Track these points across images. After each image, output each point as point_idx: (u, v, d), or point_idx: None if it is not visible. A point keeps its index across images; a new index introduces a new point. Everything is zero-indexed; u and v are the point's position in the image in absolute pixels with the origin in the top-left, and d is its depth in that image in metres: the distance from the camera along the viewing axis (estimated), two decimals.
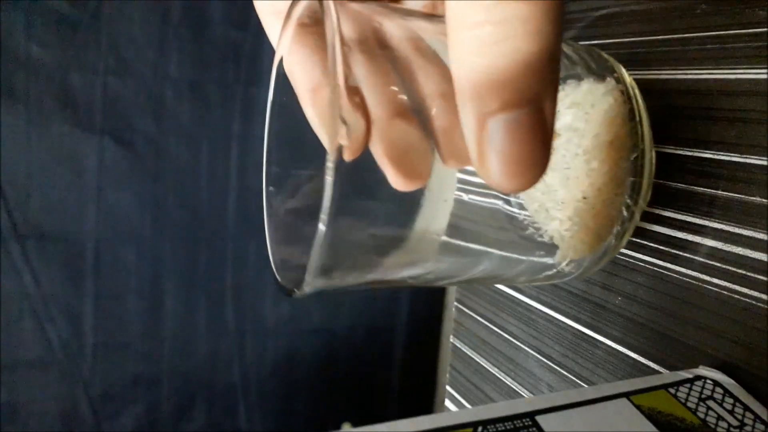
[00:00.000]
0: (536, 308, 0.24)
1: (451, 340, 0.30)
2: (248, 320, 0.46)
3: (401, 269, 0.14)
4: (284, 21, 0.14)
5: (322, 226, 0.10)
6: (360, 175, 0.11)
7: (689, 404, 0.14)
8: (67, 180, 0.38)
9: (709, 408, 0.14)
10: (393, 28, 0.13)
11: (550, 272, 0.16)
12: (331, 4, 0.11)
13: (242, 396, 0.46)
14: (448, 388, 0.31)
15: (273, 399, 0.48)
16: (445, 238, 0.14)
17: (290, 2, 0.14)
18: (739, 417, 0.14)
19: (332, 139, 0.10)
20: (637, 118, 0.16)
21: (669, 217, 0.18)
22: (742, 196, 0.16)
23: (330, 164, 0.10)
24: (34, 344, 0.39)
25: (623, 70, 0.17)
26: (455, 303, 0.30)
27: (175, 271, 0.42)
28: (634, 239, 0.19)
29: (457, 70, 0.09)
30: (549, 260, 0.16)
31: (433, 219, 0.13)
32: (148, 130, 0.39)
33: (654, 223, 0.18)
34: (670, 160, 0.18)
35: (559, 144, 0.15)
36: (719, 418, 0.14)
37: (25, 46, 0.34)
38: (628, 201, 0.16)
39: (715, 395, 0.15)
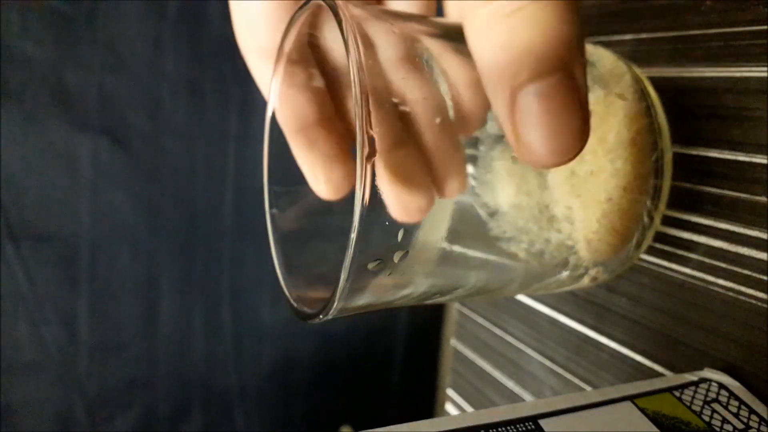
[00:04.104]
0: (539, 310, 0.23)
1: (453, 342, 0.30)
2: (245, 322, 0.45)
3: (414, 286, 0.13)
4: (276, 59, 0.14)
5: (349, 253, 0.10)
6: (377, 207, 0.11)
7: (694, 407, 0.14)
8: (61, 179, 0.37)
9: (714, 411, 0.14)
10: (384, 44, 0.12)
11: (573, 277, 0.16)
12: (351, 38, 0.10)
13: (239, 398, 0.46)
14: (449, 391, 0.31)
15: (270, 401, 0.47)
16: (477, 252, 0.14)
17: (280, 39, 0.14)
18: (744, 420, 0.14)
19: (364, 190, 0.10)
20: (654, 115, 0.16)
21: (674, 217, 0.18)
22: (748, 196, 0.16)
23: (354, 233, 0.10)
24: (29, 346, 0.39)
25: (634, 68, 0.17)
26: (457, 305, 0.30)
27: (171, 273, 0.42)
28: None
29: (479, 51, 0.09)
30: (572, 265, 0.16)
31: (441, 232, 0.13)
32: (144, 128, 0.39)
33: (659, 224, 0.18)
34: (675, 159, 0.18)
35: None
36: (724, 421, 0.14)
37: (20, 43, 0.34)
38: (649, 203, 0.16)
39: (720, 398, 0.14)
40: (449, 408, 0.31)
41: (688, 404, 0.14)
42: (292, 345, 0.47)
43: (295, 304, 0.14)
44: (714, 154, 0.17)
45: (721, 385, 0.15)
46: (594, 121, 0.15)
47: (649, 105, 0.16)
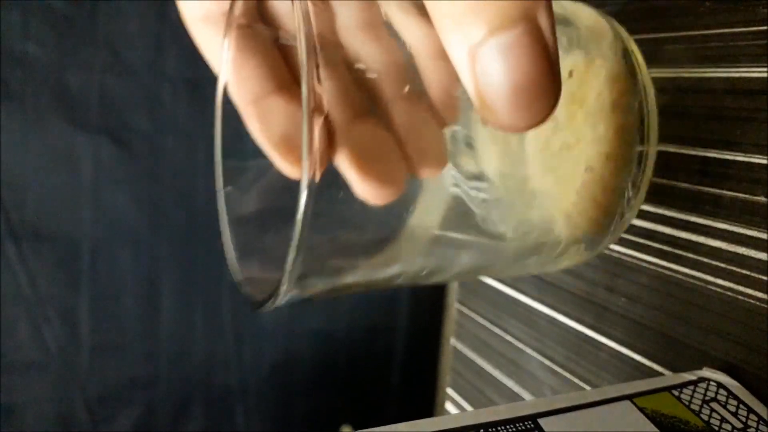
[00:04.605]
0: (538, 310, 0.23)
1: (452, 341, 0.30)
2: (246, 321, 0.45)
3: (387, 268, 0.12)
4: (226, 26, 0.13)
5: (296, 235, 0.09)
6: (333, 177, 0.10)
7: (693, 406, 0.14)
8: (62, 179, 0.37)
9: (712, 410, 0.14)
10: (344, 10, 0.11)
11: (553, 256, 0.15)
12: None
13: (240, 398, 0.46)
14: (449, 390, 0.31)
15: (271, 401, 0.47)
16: (439, 231, 0.13)
17: (228, 3, 0.13)
18: (743, 419, 0.14)
19: (310, 164, 0.09)
20: (638, 76, 0.15)
21: (673, 217, 0.18)
22: (747, 196, 0.16)
23: (304, 194, 0.09)
24: (30, 346, 0.39)
25: (617, 25, 0.15)
26: (456, 304, 0.30)
27: (172, 272, 0.42)
28: (637, 240, 0.19)
29: (432, 6, 0.08)
30: (551, 243, 0.14)
31: (426, 214, 0.12)
32: (145, 129, 0.39)
33: (658, 223, 0.18)
34: (674, 159, 0.18)
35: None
36: (723, 420, 0.14)
37: (21, 44, 0.34)
38: (635, 170, 0.15)
39: (719, 397, 0.14)
40: (449, 407, 0.32)
41: (687, 403, 0.14)
42: (292, 344, 0.47)
43: (244, 290, 0.12)
44: (713, 154, 0.17)
45: (720, 385, 0.15)
46: (573, 84, 0.13)
47: (634, 65, 0.15)
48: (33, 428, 0.39)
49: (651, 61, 0.18)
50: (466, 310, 0.29)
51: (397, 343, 0.49)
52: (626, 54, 0.15)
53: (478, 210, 0.13)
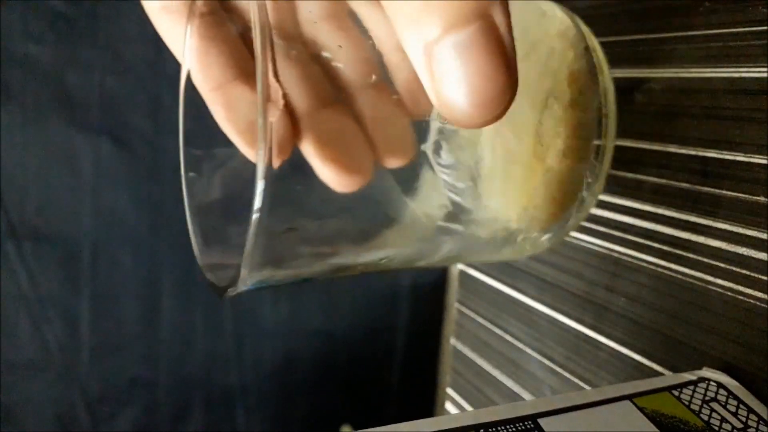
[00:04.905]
0: (538, 310, 0.23)
1: (452, 341, 0.30)
2: (246, 321, 0.45)
3: (355, 256, 0.12)
4: (189, 14, 0.13)
5: (254, 221, 0.09)
6: (300, 166, 0.10)
7: (693, 406, 0.14)
8: (63, 179, 0.37)
9: (712, 410, 0.14)
10: (308, 4, 0.11)
11: (510, 248, 0.15)
12: None
13: (240, 398, 0.46)
14: (449, 390, 0.31)
15: (271, 401, 0.47)
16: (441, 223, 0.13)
17: None
18: (743, 419, 0.14)
19: (265, 150, 0.09)
20: (599, 75, 0.15)
21: (673, 217, 0.18)
22: (747, 196, 0.16)
23: (261, 180, 0.09)
24: (31, 346, 0.39)
25: (580, 21, 0.16)
26: (456, 304, 0.30)
27: (173, 272, 0.42)
28: (637, 240, 0.19)
29: (388, 5, 0.08)
30: (509, 235, 0.15)
31: (394, 203, 0.12)
32: (145, 128, 0.39)
33: (658, 223, 0.18)
34: (674, 159, 0.18)
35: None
36: (723, 420, 0.14)
37: (21, 44, 0.34)
38: (595, 162, 0.15)
39: (719, 397, 0.14)
40: (449, 407, 0.32)
41: (687, 403, 0.14)
42: (292, 344, 0.47)
43: (208, 276, 0.12)
44: (713, 154, 0.17)
45: (720, 385, 0.15)
46: (530, 77, 0.13)
47: (594, 63, 0.15)
48: (33, 428, 0.39)
49: (651, 61, 0.18)
50: (466, 310, 0.29)
51: (397, 343, 0.49)
52: (587, 52, 0.15)
53: (447, 200, 0.13)
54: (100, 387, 0.41)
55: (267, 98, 0.09)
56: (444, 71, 0.08)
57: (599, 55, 0.15)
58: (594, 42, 0.16)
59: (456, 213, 0.14)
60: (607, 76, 0.16)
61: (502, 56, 0.08)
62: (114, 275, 0.40)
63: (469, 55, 0.08)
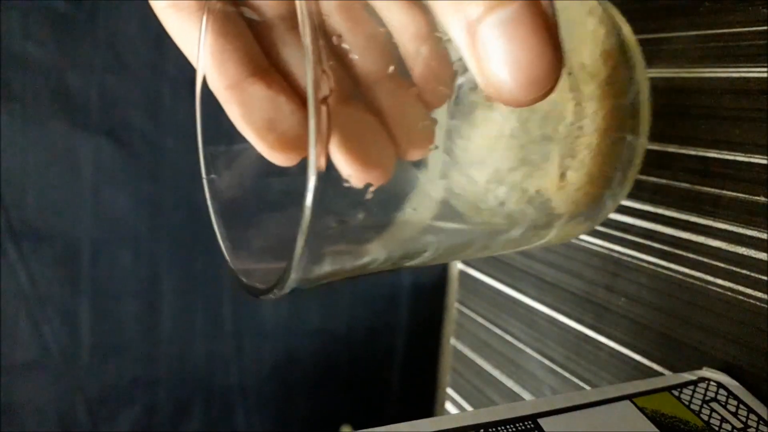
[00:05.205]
0: (538, 310, 0.23)
1: (452, 341, 0.30)
2: (246, 321, 0.45)
3: (387, 251, 0.12)
4: (205, 11, 0.13)
5: (301, 236, 0.09)
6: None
7: (693, 406, 0.14)
8: (63, 179, 0.37)
9: (712, 410, 0.14)
10: None
11: (549, 231, 0.15)
12: None
13: (240, 398, 0.46)
14: (449, 390, 0.31)
15: (271, 401, 0.47)
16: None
17: None
18: (743, 419, 0.14)
19: (319, 147, 0.08)
20: (629, 52, 0.15)
21: (673, 217, 0.18)
22: (747, 196, 0.16)
23: (311, 186, 0.09)
24: (31, 346, 0.39)
25: (606, 3, 0.16)
26: (456, 304, 0.30)
27: (173, 272, 0.42)
28: (637, 240, 0.19)
29: None
30: (547, 219, 0.14)
31: (421, 199, 0.12)
32: (145, 128, 0.39)
33: (658, 223, 0.18)
34: (674, 159, 0.18)
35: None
36: (723, 420, 0.14)
37: (21, 44, 0.34)
38: (630, 140, 0.15)
39: (719, 397, 0.14)
40: (449, 407, 0.32)
41: (687, 403, 0.14)
42: (292, 344, 0.47)
43: (245, 280, 0.12)
44: (713, 154, 0.17)
45: (720, 385, 0.15)
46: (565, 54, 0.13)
47: (624, 41, 0.15)
48: (33, 428, 0.39)
49: (651, 61, 0.18)
50: (466, 310, 0.29)
51: (397, 343, 0.49)
52: (615, 29, 0.15)
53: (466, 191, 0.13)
54: (99, 387, 0.41)
55: (318, 97, 0.08)
56: (489, 50, 0.08)
57: (627, 32, 0.15)
58: (621, 20, 0.15)
59: (488, 201, 0.13)
60: (638, 54, 0.15)
61: (547, 31, 0.08)
62: (114, 275, 0.40)
63: (514, 32, 0.08)
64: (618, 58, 0.15)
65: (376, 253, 0.12)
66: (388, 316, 0.48)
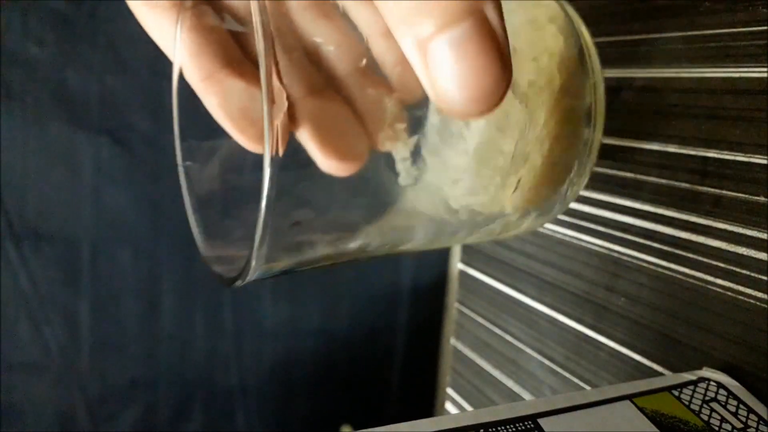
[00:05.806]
0: (538, 310, 0.23)
1: (452, 341, 0.30)
2: (246, 321, 0.45)
3: (352, 242, 0.13)
4: (180, 8, 0.13)
5: (261, 215, 0.09)
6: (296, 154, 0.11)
7: (693, 406, 0.14)
8: (63, 179, 0.37)
9: (712, 410, 0.14)
10: None
11: (499, 225, 0.15)
12: None
13: (240, 398, 0.46)
14: (449, 390, 0.31)
15: (271, 401, 0.47)
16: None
17: None
18: (743, 419, 0.14)
19: (272, 142, 0.09)
20: (588, 60, 0.15)
21: (673, 217, 0.18)
22: (747, 196, 0.16)
23: (268, 170, 0.09)
24: (30, 346, 0.39)
25: (569, 7, 0.16)
26: (456, 304, 0.30)
27: (173, 272, 0.42)
28: (637, 240, 0.19)
29: (381, 6, 0.08)
30: (505, 219, 0.15)
31: (390, 190, 0.12)
32: (146, 129, 0.39)
33: (658, 223, 0.18)
34: (674, 159, 0.18)
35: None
36: (723, 420, 0.14)
37: (21, 44, 0.34)
38: (586, 137, 0.15)
39: (719, 397, 0.14)
40: (449, 407, 0.32)
41: (687, 403, 0.14)
42: (292, 344, 0.47)
43: (214, 268, 0.12)
44: (713, 154, 0.17)
45: (720, 385, 0.15)
46: (520, 62, 0.13)
47: (581, 45, 0.15)
48: (33, 428, 0.39)
49: (651, 61, 0.18)
50: (466, 310, 0.29)
51: (397, 342, 0.49)
52: (577, 37, 0.15)
53: (442, 181, 0.13)
54: (100, 387, 0.41)
55: (272, 101, 0.09)
56: (439, 67, 0.08)
57: (586, 36, 0.16)
58: (583, 28, 0.16)
59: (450, 195, 0.14)
60: (595, 57, 0.16)
61: (496, 50, 0.08)
62: (114, 275, 0.40)
63: (463, 51, 0.08)
64: (575, 65, 0.15)
65: (346, 244, 0.12)
66: (388, 316, 0.48)
